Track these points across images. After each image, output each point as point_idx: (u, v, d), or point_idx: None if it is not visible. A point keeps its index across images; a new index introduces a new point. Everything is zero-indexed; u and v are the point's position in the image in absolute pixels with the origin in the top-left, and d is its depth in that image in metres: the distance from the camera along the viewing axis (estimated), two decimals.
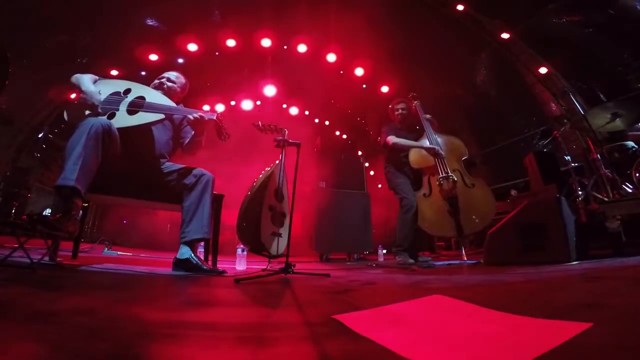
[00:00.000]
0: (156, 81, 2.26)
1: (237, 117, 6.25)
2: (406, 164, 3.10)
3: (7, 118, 4.19)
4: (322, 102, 6.67)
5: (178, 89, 2.30)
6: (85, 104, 1.87)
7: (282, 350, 0.61)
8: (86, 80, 1.93)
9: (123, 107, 1.92)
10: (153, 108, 1.94)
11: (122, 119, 1.87)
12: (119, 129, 1.81)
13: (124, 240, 5.46)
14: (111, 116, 1.86)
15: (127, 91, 2.00)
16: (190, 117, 1.99)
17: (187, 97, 2.42)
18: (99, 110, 1.87)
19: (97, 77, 2.03)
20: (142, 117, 1.91)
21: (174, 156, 2.23)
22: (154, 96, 2.02)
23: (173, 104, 2.05)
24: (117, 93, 1.97)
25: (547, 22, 4.17)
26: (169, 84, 2.26)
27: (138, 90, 2.02)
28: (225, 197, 2.26)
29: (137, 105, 1.94)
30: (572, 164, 3.34)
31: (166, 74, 2.31)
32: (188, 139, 2.19)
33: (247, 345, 0.63)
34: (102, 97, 1.92)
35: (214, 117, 2.00)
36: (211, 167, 2.16)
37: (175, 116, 2.16)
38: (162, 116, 1.95)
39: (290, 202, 2.40)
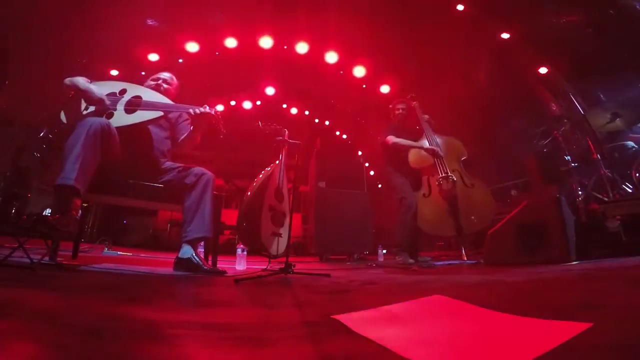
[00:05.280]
0: (151, 82, 2.22)
1: (237, 117, 6.25)
2: (405, 164, 3.10)
3: (7, 118, 4.19)
4: (322, 102, 6.67)
5: (173, 91, 2.29)
6: (92, 98, 1.85)
7: (282, 350, 0.61)
8: (82, 80, 1.91)
9: (120, 107, 1.91)
10: (151, 106, 1.94)
11: (121, 118, 1.87)
12: (118, 129, 1.80)
13: (124, 240, 5.47)
14: (109, 116, 1.85)
15: (123, 91, 1.98)
16: (192, 112, 1.98)
17: (178, 97, 2.40)
18: (107, 103, 1.86)
19: (89, 80, 1.99)
20: (141, 115, 1.90)
21: (172, 155, 2.23)
22: (150, 95, 2.01)
23: (170, 102, 2.04)
24: (112, 94, 1.95)
25: (547, 22, 4.17)
26: (166, 85, 2.23)
27: (133, 90, 2.00)
28: (225, 197, 2.26)
29: (134, 104, 1.93)
30: (572, 164, 3.35)
31: (161, 76, 2.27)
32: (183, 136, 2.19)
33: (247, 345, 0.63)
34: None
35: (213, 112, 2.02)
36: (211, 167, 2.16)
37: (170, 115, 2.15)
38: (160, 114, 1.94)
39: (290, 202, 2.40)
